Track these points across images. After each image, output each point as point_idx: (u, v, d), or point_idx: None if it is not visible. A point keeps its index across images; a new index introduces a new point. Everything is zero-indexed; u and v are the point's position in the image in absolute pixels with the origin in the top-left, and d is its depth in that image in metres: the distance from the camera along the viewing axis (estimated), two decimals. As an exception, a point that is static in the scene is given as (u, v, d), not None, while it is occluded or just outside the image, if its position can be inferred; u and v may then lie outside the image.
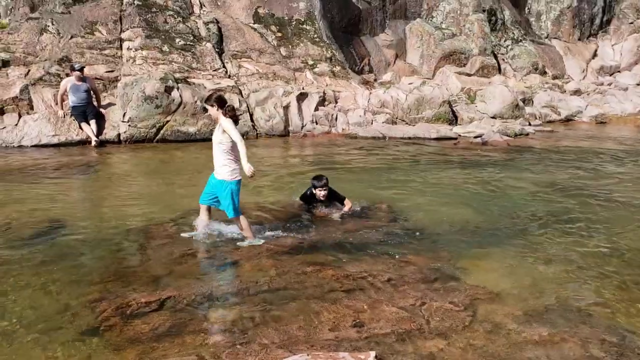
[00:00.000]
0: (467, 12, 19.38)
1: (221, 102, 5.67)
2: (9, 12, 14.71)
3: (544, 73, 19.85)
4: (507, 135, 13.68)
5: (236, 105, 13.31)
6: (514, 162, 10.90)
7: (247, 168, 5.47)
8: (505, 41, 20.12)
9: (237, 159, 5.68)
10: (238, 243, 5.81)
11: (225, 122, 5.56)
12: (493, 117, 15.47)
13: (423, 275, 5.09)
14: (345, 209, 7.00)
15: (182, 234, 6.05)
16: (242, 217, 5.84)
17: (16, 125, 11.53)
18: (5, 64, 12.88)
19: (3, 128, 11.40)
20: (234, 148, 5.65)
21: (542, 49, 20.60)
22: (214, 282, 4.95)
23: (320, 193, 6.84)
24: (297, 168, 10.03)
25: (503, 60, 19.65)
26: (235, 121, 5.69)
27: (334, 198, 7.02)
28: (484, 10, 19.75)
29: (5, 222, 6.43)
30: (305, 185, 7.23)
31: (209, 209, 6.04)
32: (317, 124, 13.94)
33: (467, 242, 6.14)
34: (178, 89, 12.52)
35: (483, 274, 5.25)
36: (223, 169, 5.71)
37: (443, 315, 4.27)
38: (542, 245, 6.00)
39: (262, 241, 5.86)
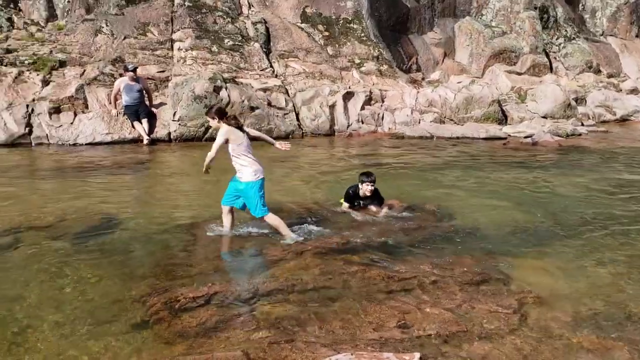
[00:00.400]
0: (518, 10, 18.96)
1: (221, 114, 5.86)
2: (65, 13, 15.23)
3: (598, 71, 19.23)
4: (559, 136, 13.33)
5: (282, 104, 13.45)
6: (566, 163, 10.61)
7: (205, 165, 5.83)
8: (557, 39, 19.59)
9: (255, 160, 5.84)
10: (281, 241, 5.85)
11: (218, 133, 5.76)
12: (544, 117, 15.11)
13: (470, 276, 5.01)
14: (383, 211, 6.94)
15: (209, 233, 6.13)
16: (272, 216, 5.92)
17: (72, 123, 11.93)
18: (62, 64, 13.35)
19: (59, 126, 11.81)
20: (247, 149, 5.79)
21: (597, 47, 19.96)
22: (259, 279, 5.00)
23: (368, 188, 6.80)
24: (342, 167, 10.03)
25: (555, 58, 19.14)
26: (239, 128, 5.83)
27: (377, 197, 6.99)
28: (535, 8, 19.27)
29: (61, 217, 6.67)
30: (349, 184, 7.21)
31: (231, 210, 6.11)
32: (363, 123, 13.92)
33: (516, 244, 6.02)
34: (226, 88, 12.71)
35: (532, 276, 5.13)
36: (245, 171, 5.80)
37: (490, 318, 4.20)
38: (594, 249, 5.83)
39: (302, 238, 5.89)
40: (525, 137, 13.20)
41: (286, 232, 5.91)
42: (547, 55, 18.94)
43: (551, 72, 18.60)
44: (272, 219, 5.93)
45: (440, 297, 4.58)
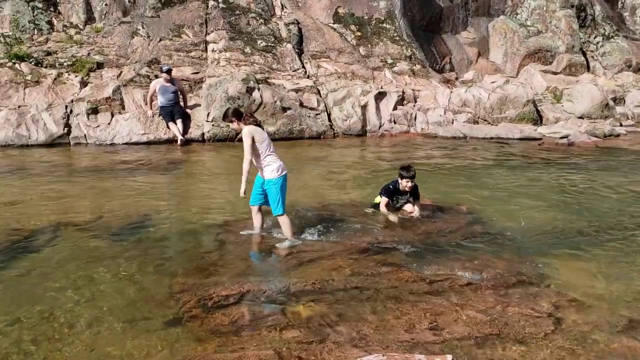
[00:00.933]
0: (554, 9, 18.61)
1: (238, 115, 5.87)
2: (103, 16, 15.56)
3: (638, 70, 18.72)
4: (596, 136, 13.06)
5: (314, 105, 13.48)
6: (603, 164, 10.38)
7: (242, 190, 5.80)
8: (595, 38, 19.16)
9: (276, 157, 5.87)
10: (277, 245, 5.86)
11: (243, 134, 5.76)
12: (580, 117, 14.81)
13: (504, 279, 4.95)
14: (416, 211, 6.90)
15: (242, 232, 6.19)
16: (286, 217, 5.94)
17: (109, 124, 12.19)
18: (100, 65, 13.66)
19: (97, 127, 12.08)
20: (268, 146, 5.81)
21: (637, 45, 19.44)
22: (290, 278, 5.02)
23: (408, 184, 6.74)
24: (374, 168, 10.01)
25: (592, 57, 18.72)
26: (258, 125, 5.84)
27: (415, 193, 6.91)
28: (572, 6, 18.89)
29: (98, 215, 6.82)
30: (381, 184, 7.19)
31: (260, 210, 6.15)
32: (395, 123, 13.86)
33: (551, 246, 5.91)
34: (259, 89, 12.81)
35: (568, 280, 5.04)
36: (267, 169, 5.83)
37: (524, 322, 4.14)
38: (633, 252, 5.69)
39: (300, 242, 5.90)
40: (561, 138, 12.97)
41: (290, 236, 5.93)
42: (584, 54, 18.53)
43: (588, 71, 18.20)
44: (284, 219, 5.94)
45: (473, 299, 4.54)
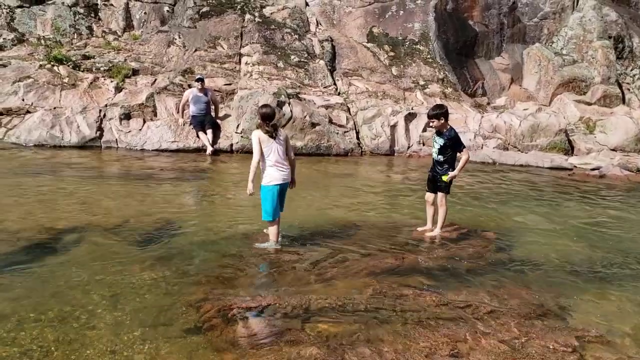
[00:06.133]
0: (591, 39, 18.42)
1: (262, 118, 6.01)
2: (141, 24, 15.88)
3: (675, 105, 18.38)
4: (629, 170, 12.81)
5: (343, 122, 13.51)
6: (635, 199, 10.16)
7: (249, 187, 5.97)
8: (632, 70, 18.88)
9: (277, 167, 5.99)
10: (256, 244, 6.10)
11: (252, 136, 6.00)
12: (613, 150, 14.56)
13: (528, 310, 4.85)
14: (463, 158, 6.79)
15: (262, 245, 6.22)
16: (273, 227, 6.08)
17: (140, 130, 12.37)
18: (135, 72, 13.92)
19: (128, 132, 12.27)
20: (270, 155, 5.96)
21: (675, 80, 19.11)
22: (311, 295, 4.99)
23: (431, 123, 6.88)
24: (400, 188, 9.96)
25: (628, 90, 18.43)
26: (269, 134, 5.93)
27: (450, 142, 6.81)
28: (610, 37, 18.67)
29: (124, 220, 6.90)
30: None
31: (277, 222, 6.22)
32: (424, 145, 13.80)
33: (577, 279, 5.79)
34: (289, 104, 12.90)
35: (594, 315, 4.92)
36: (263, 175, 6.05)
37: (547, 355, 4.04)
38: (663, 291, 5.53)
39: (280, 246, 6.06)
40: (592, 169, 12.76)
41: (272, 238, 6.09)
42: (620, 86, 18.26)
43: (623, 103, 17.92)
44: (272, 226, 6.09)
45: (495, 328, 4.45)
